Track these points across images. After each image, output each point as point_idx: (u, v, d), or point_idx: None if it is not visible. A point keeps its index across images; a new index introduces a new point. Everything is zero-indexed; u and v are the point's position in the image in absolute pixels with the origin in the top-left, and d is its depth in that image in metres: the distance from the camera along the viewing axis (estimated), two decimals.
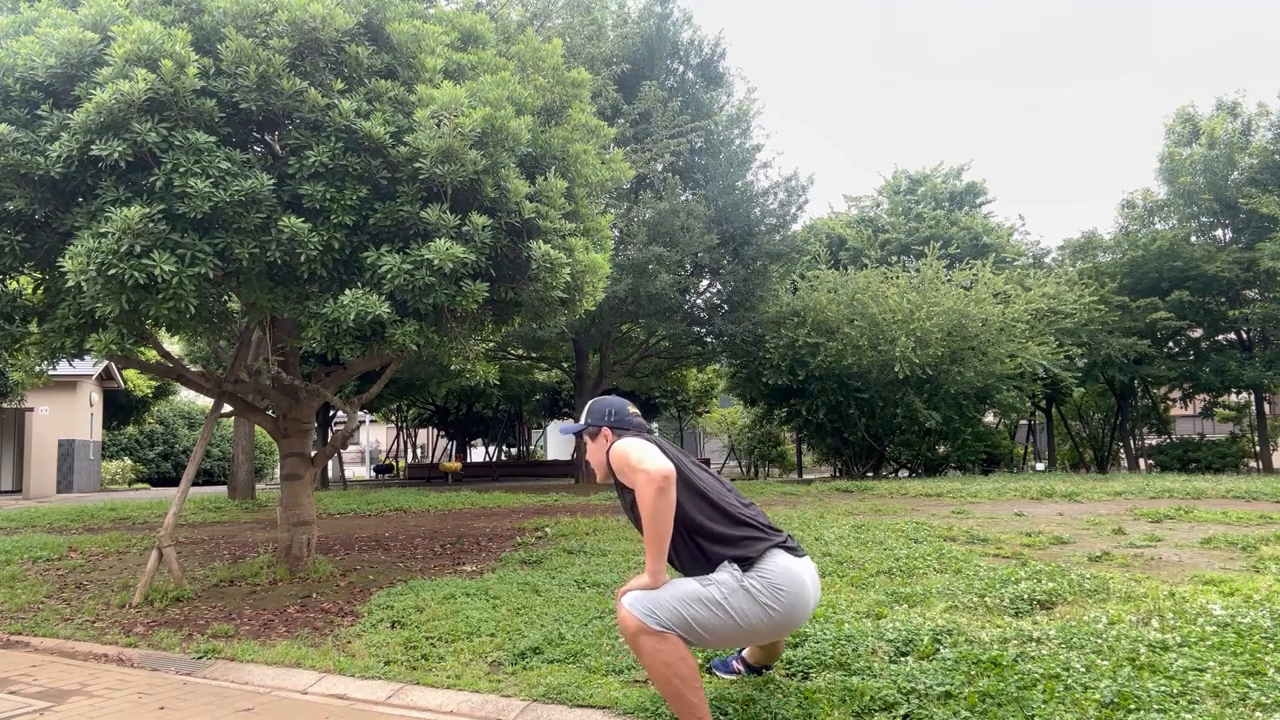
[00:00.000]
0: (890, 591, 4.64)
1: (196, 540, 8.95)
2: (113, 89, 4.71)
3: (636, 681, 3.52)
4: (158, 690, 4.04)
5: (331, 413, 21.09)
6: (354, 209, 5.35)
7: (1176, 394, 21.30)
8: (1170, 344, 20.27)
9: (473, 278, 5.51)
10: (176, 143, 4.91)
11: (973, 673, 3.21)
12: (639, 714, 3.17)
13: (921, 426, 16.67)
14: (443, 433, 33.14)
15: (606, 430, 3.14)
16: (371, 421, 38.27)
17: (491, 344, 8.86)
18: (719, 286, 17.83)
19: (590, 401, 3.31)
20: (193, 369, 7.16)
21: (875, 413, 17.09)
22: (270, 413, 7.13)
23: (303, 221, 5.11)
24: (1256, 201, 17.18)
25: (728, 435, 28.31)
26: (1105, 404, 22.12)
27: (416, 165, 5.28)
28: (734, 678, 3.42)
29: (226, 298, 6.11)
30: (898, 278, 17.58)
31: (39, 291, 6.14)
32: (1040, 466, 21.56)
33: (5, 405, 17.89)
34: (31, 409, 21.24)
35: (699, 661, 3.41)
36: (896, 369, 15.48)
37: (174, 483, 25.46)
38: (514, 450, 34.35)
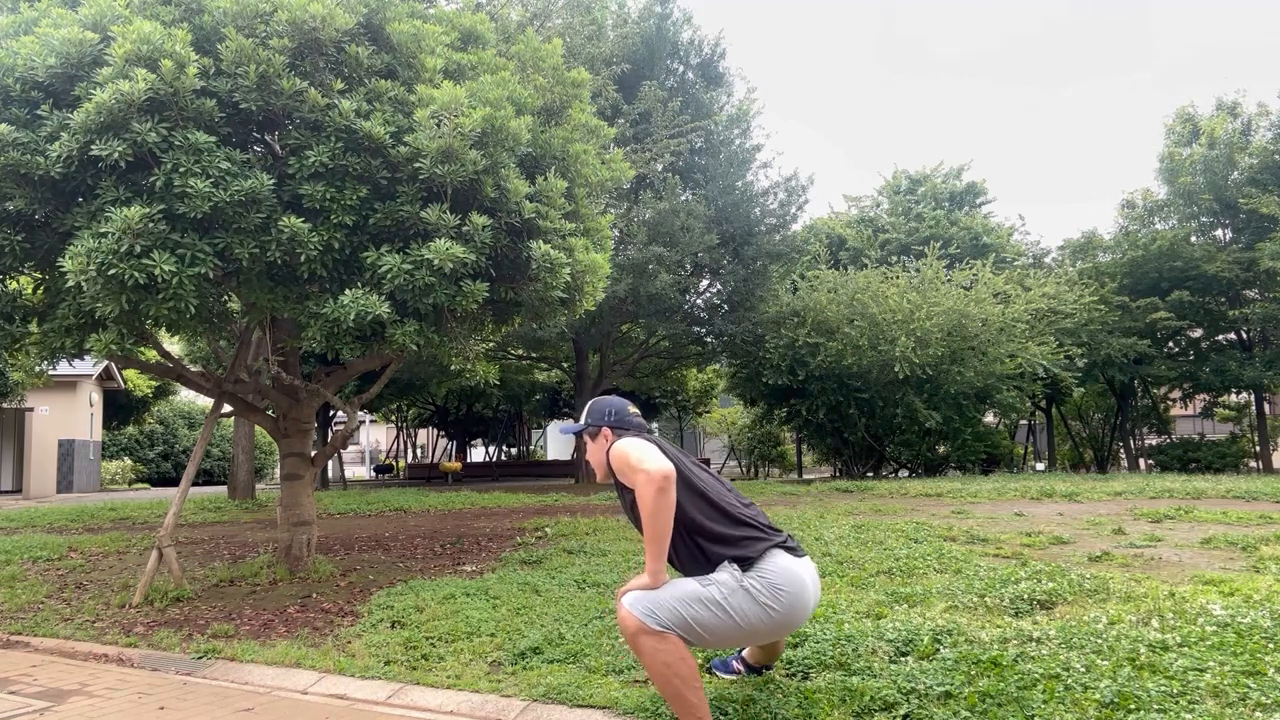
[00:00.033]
0: (890, 591, 4.64)
1: (196, 540, 8.95)
2: (113, 89, 4.71)
3: (636, 681, 3.52)
4: (158, 690, 4.04)
5: (331, 413, 21.10)
6: (354, 209, 5.35)
7: (1176, 394, 21.30)
8: (1170, 344, 20.27)
9: (473, 278, 5.51)
10: (176, 143, 4.91)
11: (973, 673, 3.21)
12: (639, 714, 3.17)
13: (921, 426, 16.67)
14: (443, 433, 33.14)
15: (606, 430, 3.14)
16: (371, 421, 38.27)
17: (491, 344, 8.86)
18: (719, 286, 17.84)
19: (590, 401, 3.31)
20: (193, 369, 7.16)
21: (875, 413, 17.09)
22: (270, 413, 7.13)
23: (303, 221, 5.11)
24: (1256, 201, 17.19)
25: (728, 435, 28.32)
26: (1105, 404, 22.13)
27: (416, 165, 5.28)
28: (734, 678, 3.42)
29: (226, 298, 6.11)
30: (898, 278, 17.58)
31: (39, 291, 6.14)
32: (1040, 466, 21.57)
33: (5, 405, 17.90)
34: (31, 409, 21.24)
35: (699, 661, 3.41)
36: (896, 369, 15.48)
37: (174, 483, 25.47)
38: (514, 450, 34.35)
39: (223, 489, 18.44)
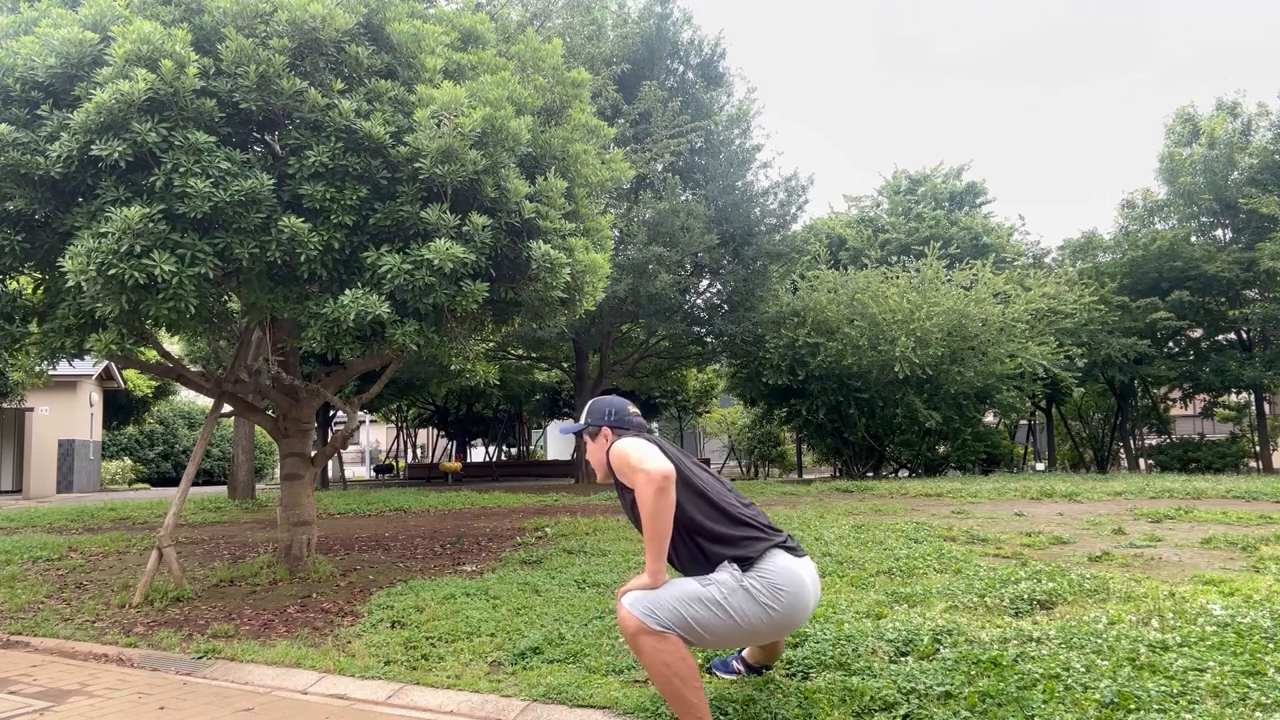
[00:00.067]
0: (890, 591, 4.64)
1: (196, 540, 8.95)
2: (113, 89, 4.71)
3: (636, 681, 3.52)
4: (158, 690, 4.04)
5: (331, 413, 21.10)
6: (354, 209, 5.36)
7: (1176, 394, 21.31)
8: (1170, 344, 20.27)
9: (473, 278, 5.51)
10: (176, 143, 4.91)
11: (973, 673, 3.21)
12: (639, 714, 3.17)
13: (921, 426, 16.67)
14: (443, 433, 33.15)
15: (606, 430, 3.14)
16: (371, 421, 38.28)
17: (491, 344, 8.86)
18: (719, 286, 17.84)
19: (590, 401, 3.31)
20: (193, 369, 7.16)
21: (875, 413, 17.09)
22: (270, 413, 7.13)
23: (303, 221, 5.11)
24: (1256, 201, 17.19)
25: (728, 435, 28.32)
26: (1105, 404, 22.13)
27: (416, 165, 5.28)
28: (734, 678, 3.42)
29: (226, 298, 6.11)
30: (898, 278, 17.59)
31: (39, 291, 6.14)
32: (1040, 466, 21.57)
33: (5, 405, 17.90)
34: (31, 409, 21.24)
35: (699, 661, 3.41)
36: (896, 369, 15.48)
37: (174, 483, 25.47)
38: (514, 450, 34.36)
39: (223, 489, 18.44)
